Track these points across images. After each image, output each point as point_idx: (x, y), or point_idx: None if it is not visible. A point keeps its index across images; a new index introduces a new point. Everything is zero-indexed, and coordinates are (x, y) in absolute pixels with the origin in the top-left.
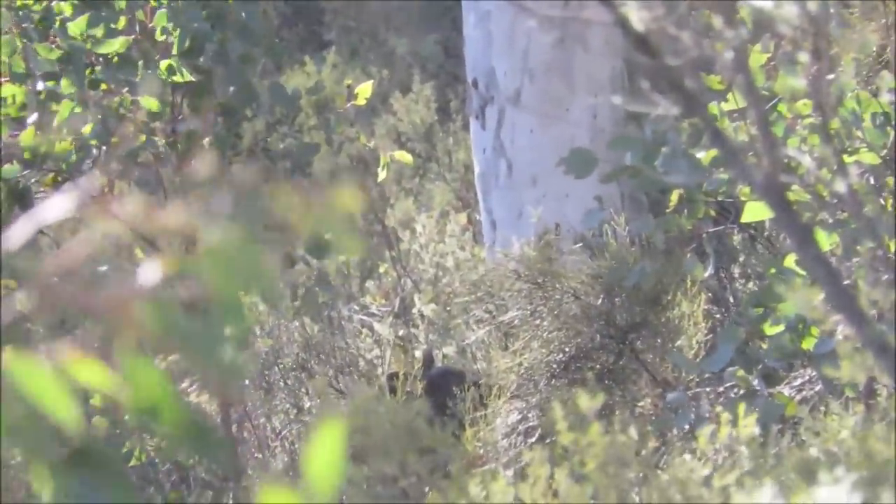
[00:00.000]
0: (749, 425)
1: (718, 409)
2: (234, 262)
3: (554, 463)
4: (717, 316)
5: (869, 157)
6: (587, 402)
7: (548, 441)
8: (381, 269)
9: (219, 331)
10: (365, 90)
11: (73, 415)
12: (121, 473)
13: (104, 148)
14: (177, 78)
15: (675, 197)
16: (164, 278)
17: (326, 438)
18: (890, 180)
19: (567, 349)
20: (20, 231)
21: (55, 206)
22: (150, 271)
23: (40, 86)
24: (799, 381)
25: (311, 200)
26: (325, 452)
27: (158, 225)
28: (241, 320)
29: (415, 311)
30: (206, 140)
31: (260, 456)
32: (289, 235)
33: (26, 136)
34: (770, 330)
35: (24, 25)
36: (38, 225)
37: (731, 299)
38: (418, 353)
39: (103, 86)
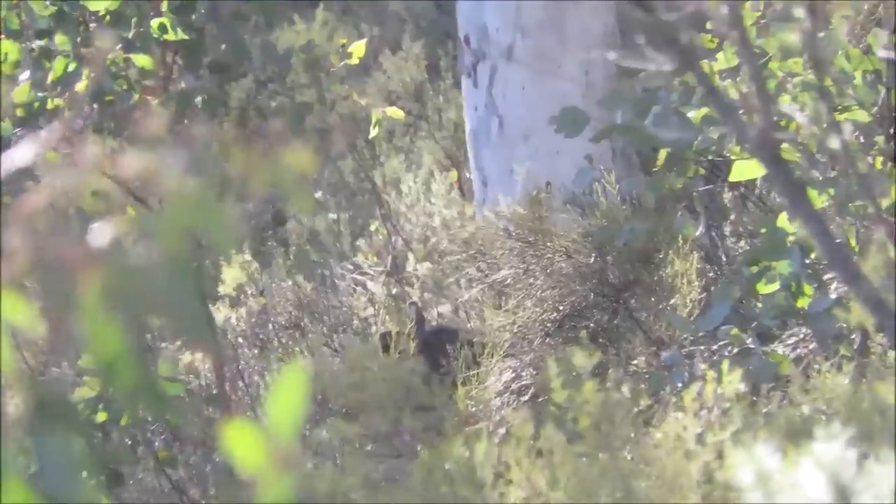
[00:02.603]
0: (733, 382)
1: (708, 367)
2: (190, 212)
3: (542, 422)
4: (711, 274)
5: (860, 115)
6: (582, 359)
7: (541, 399)
8: (372, 228)
9: (176, 284)
10: (359, 49)
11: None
12: (78, 426)
13: (96, 105)
14: (169, 36)
15: (663, 155)
16: (120, 232)
17: (289, 383)
18: (880, 139)
19: (561, 308)
20: None
21: (19, 153)
22: (106, 225)
23: (35, 43)
24: (793, 340)
25: (265, 158)
26: (287, 396)
27: (116, 172)
28: (192, 274)
29: (409, 269)
30: (199, 98)
31: (252, 414)
32: (243, 190)
33: (20, 93)
34: (764, 288)
35: None
36: (5, 170)
37: (724, 258)
38: (410, 312)
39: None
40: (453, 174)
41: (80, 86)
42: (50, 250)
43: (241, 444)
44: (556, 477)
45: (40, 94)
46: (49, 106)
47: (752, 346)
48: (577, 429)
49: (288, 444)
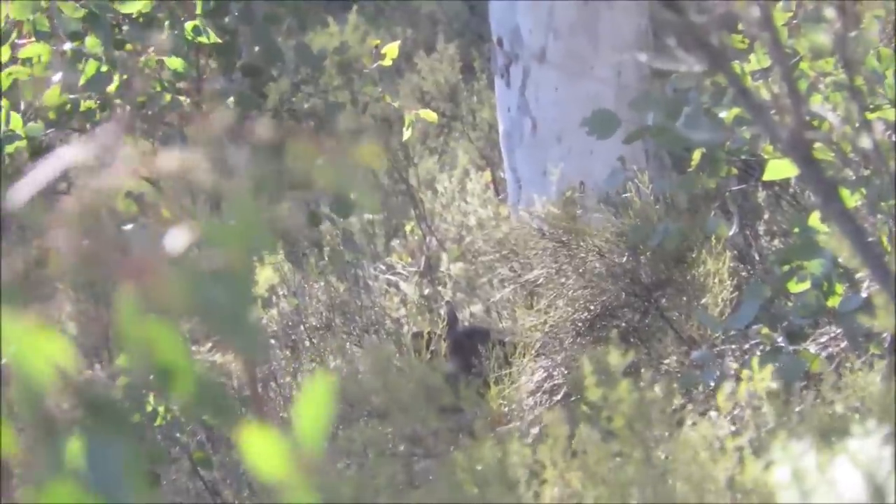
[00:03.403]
0: (765, 379)
1: (739, 365)
2: (240, 221)
3: (575, 422)
4: (743, 274)
5: (891, 115)
6: (616, 358)
7: (573, 399)
8: (407, 228)
9: (234, 294)
10: (392, 50)
11: (46, 379)
12: (129, 428)
13: (129, 107)
14: (202, 38)
15: (696, 155)
16: (184, 241)
17: (315, 393)
18: None
19: (592, 307)
20: (31, 181)
21: (67, 156)
22: (175, 235)
23: (66, 45)
24: (824, 339)
25: (332, 157)
26: (314, 403)
27: (163, 172)
28: (249, 284)
29: (442, 269)
30: (231, 100)
31: (285, 416)
32: (309, 190)
33: (50, 95)
34: (795, 287)
35: None
36: (49, 175)
37: (757, 257)
38: (443, 312)
39: (128, 46)
40: (487, 174)
41: (112, 87)
42: (110, 257)
43: (261, 449)
44: (591, 476)
45: (72, 96)
46: (82, 108)
47: (782, 344)
48: (610, 428)
49: (314, 450)
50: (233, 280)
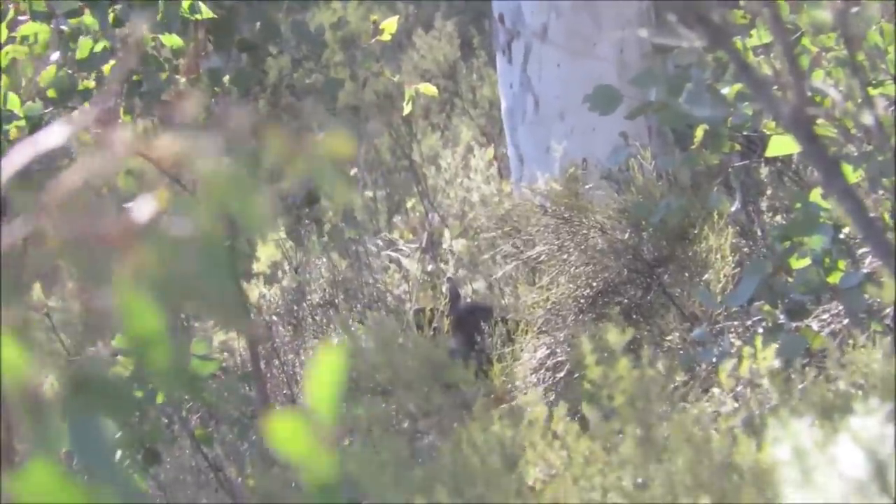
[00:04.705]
0: (768, 358)
1: (741, 342)
2: (224, 193)
3: (578, 398)
4: (745, 250)
5: (893, 90)
6: (615, 336)
7: (576, 376)
8: (409, 205)
9: (211, 264)
10: (390, 25)
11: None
12: (125, 407)
13: (126, 85)
14: (199, 15)
15: (699, 132)
16: (159, 210)
17: (327, 362)
18: None
19: (594, 284)
20: (18, 157)
21: (55, 133)
22: (146, 205)
23: (63, 25)
24: (826, 316)
25: (301, 145)
26: (326, 375)
27: (154, 153)
28: (225, 254)
29: (444, 246)
30: (227, 77)
31: (288, 392)
32: (278, 177)
33: (47, 74)
34: (796, 263)
35: None
36: (37, 151)
37: (759, 233)
38: (445, 289)
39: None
40: (490, 151)
41: (107, 67)
42: (87, 228)
43: (284, 433)
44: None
45: (69, 72)
46: (80, 87)
47: (783, 321)
48: (611, 405)
49: (329, 423)
50: (208, 250)
